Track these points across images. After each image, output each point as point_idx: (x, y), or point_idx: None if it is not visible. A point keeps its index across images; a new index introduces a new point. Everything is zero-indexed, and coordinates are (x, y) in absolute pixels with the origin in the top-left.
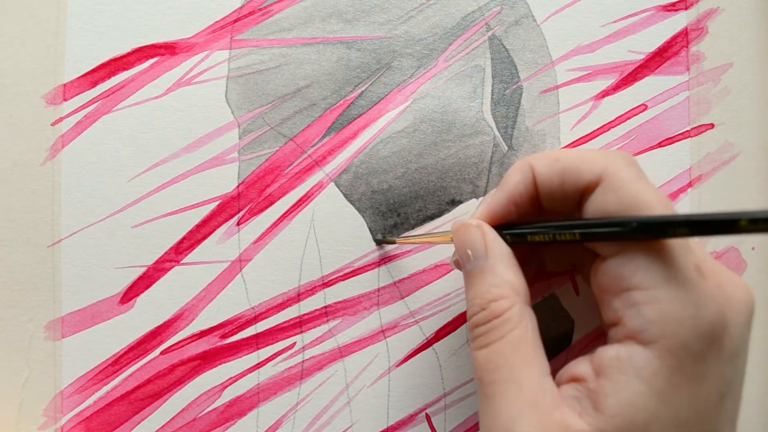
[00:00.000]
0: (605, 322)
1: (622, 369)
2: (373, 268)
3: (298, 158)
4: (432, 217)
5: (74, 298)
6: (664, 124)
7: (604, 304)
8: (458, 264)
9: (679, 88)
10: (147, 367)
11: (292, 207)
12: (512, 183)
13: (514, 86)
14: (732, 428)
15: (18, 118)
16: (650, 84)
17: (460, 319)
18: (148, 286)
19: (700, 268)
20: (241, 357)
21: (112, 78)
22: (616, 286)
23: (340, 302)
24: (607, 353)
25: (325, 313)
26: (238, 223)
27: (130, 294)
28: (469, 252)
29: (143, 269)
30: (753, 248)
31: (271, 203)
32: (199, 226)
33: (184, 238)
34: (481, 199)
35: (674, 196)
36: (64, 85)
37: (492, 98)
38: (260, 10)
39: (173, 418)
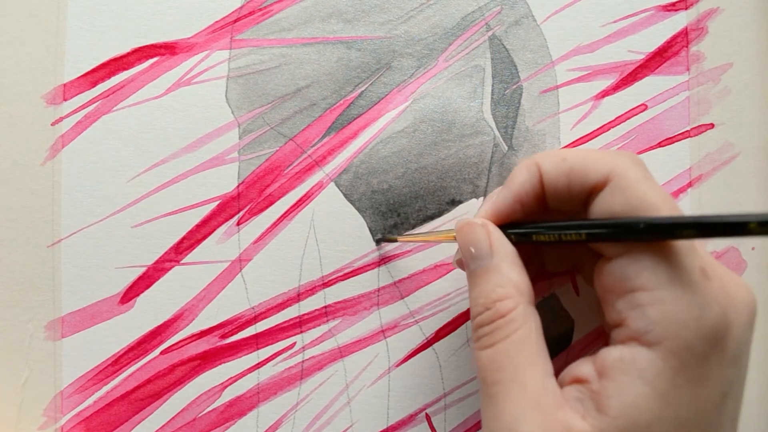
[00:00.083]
0: (608, 322)
1: (626, 370)
2: (373, 268)
3: (298, 158)
4: (432, 217)
5: (74, 298)
6: (664, 124)
7: (608, 304)
8: (461, 263)
9: (679, 88)
10: (147, 367)
11: (292, 207)
12: (518, 182)
13: (514, 86)
14: (733, 428)
15: (18, 118)
16: (650, 84)
17: (460, 319)
18: (148, 286)
19: (704, 270)
20: (241, 357)
21: (112, 78)
22: (621, 286)
23: (340, 302)
24: (610, 355)
25: (325, 313)
26: (238, 223)
27: (130, 294)
28: (473, 251)
29: (143, 269)
30: (753, 248)
31: (271, 203)
32: (199, 226)
33: (184, 238)
34: (484, 198)
35: (674, 196)
36: (64, 85)
37: (492, 98)
38: (260, 10)
39: (173, 418)
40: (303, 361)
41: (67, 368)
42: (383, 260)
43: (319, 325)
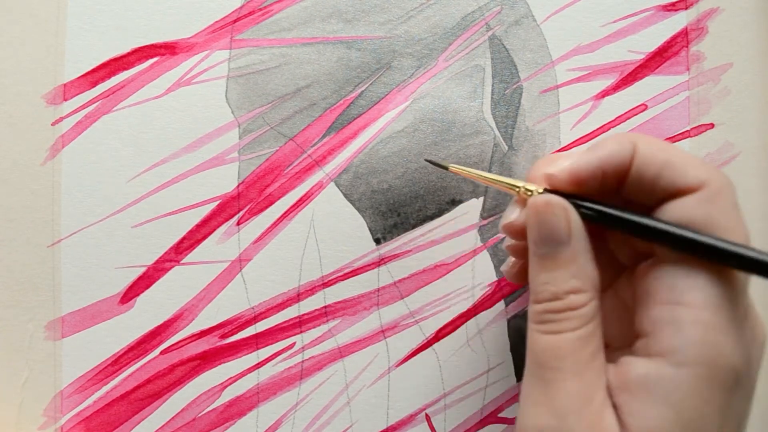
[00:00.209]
0: (636, 327)
1: (650, 390)
2: (373, 268)
3: (298, 158)
4: (432, 217)
5: (74, 298)
6: (664, 124)
7: (643, 308)
8: (514, 231)
9: (679, 88)
10: (147, 367)
11: (292, 207)
12: (608, 150)
13: (514, 86)
14: None
15: (18, 118)
16: (650, 84)
17: (460, 319)
18: (148, 286)
19: (746, 309)
20: (240, 357)
21: (112, 78)
22: (665, 295)
23: (339, 302)
24: (636, 369)
25: (325, 313)
26: (238, 223)
27: (130, 294)
28: (548, 233)
29: (143, 269)
30: None
31: (271, 203)
32: (199, 226)
33: (184, 238)
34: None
35: None
36: (64, 85)
37: (492, 98)
38: (260, 10)
39: (173, 418)
40: (303, 361)
41: (67, 368)
42: (383, 260)
43: (319, 325)
